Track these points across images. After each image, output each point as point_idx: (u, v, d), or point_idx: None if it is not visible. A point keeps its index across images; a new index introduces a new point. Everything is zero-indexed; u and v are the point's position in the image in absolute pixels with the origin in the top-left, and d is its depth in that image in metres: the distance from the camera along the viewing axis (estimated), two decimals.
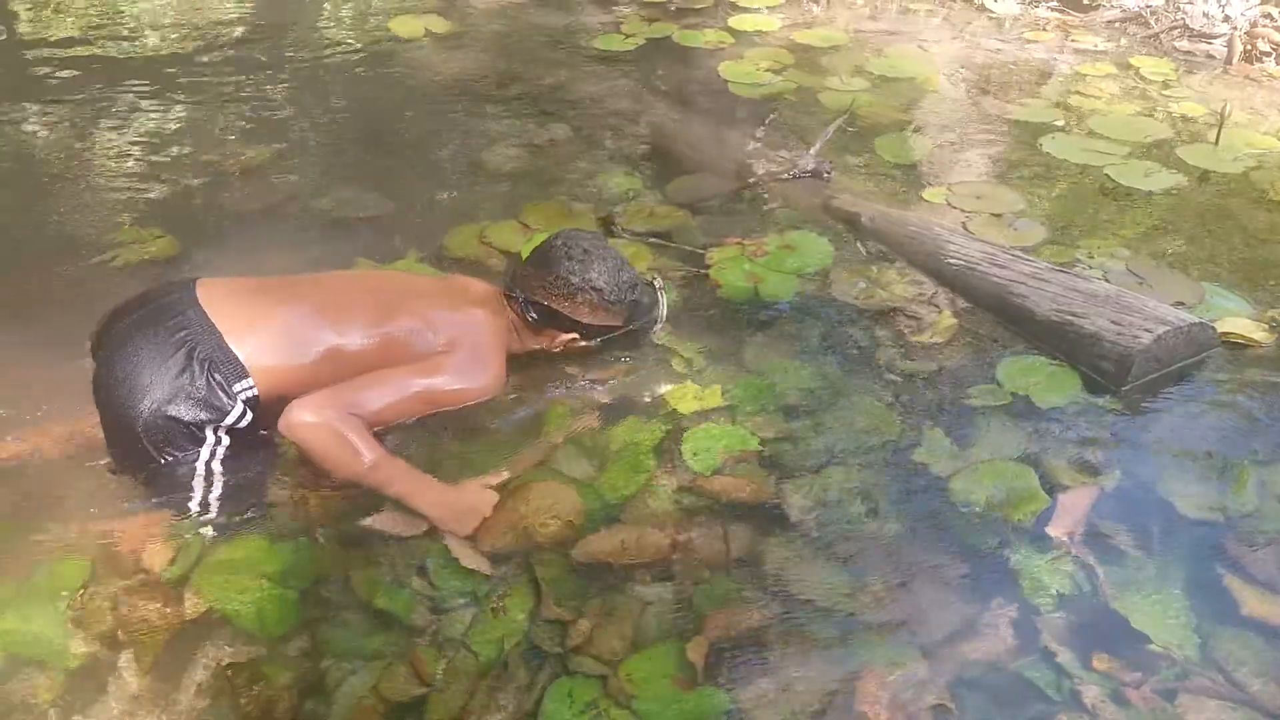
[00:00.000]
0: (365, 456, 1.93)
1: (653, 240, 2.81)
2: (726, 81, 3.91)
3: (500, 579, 1.85)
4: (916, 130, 3.54)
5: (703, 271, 2.66)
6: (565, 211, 2.96)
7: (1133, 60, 4.22)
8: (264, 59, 4.08)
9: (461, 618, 1.78)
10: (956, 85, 3.98)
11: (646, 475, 2.08)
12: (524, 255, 2.42)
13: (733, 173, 3.15)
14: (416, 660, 1.68)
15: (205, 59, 4.07)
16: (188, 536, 1.89)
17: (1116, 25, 4.64)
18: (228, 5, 4.76)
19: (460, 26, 4.48)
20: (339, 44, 4.29)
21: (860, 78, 3.97)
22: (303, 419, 1.91)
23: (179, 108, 3.62)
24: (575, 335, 2.25)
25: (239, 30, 4.44)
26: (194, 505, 1.93)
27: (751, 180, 3.11)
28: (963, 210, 2.99)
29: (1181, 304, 2.52)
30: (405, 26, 4.41)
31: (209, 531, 1.90)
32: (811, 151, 3.20)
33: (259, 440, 2.02)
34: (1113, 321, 2.29)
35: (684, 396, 2.28)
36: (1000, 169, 3.29)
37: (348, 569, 1.86)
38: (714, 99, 3.80)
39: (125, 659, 1.70)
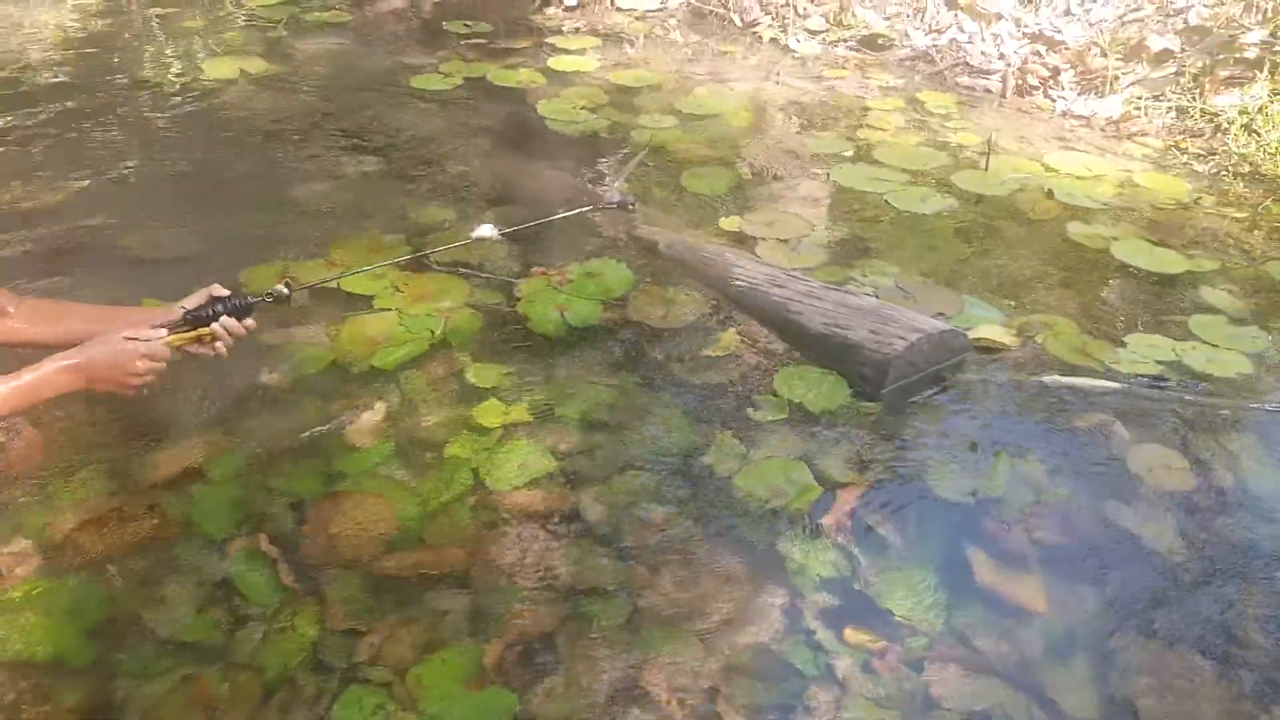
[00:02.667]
0: None
1: (463, 271, 2.92)
2: (544, 119, 4.07)
3: (296, 594, 1.92)
4: (716, 163, 3.77)
5: (511, 305, 2.79)
6: (375, 245, 3.04)
7: (919, 95, 4.59)
8: (76, 97, 4.01)
9: (251, 637, 1.83)
10: (756, 121, 4.24)
11: (457, 489, 2.19)
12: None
13: (544, 205, 3.29)
14: (198, 687, 1.72)
15: (12, 93, 3.98)
16: None
17: (907, 63, 5.03)
18: (46, 41, 4.67)
19: (280, 68, 4.51)
20: (153, 84, 4.26)
21: (670, 116, 4.19)
22: None
23: None
24: None
25: (55, 67, 4.36)
26: None
27: (561, 212, 3.25)
28: (754, 236, 3.22)
29: (942, 314, 2.78)
30: (220, 69, 4.41)
31: None
32: (616, 184, 3.37)
33: None
34: (872, 331, 2.52)
35: (488, 413, 2.39)
36: (793, 198, 3.54)
37: (140, 597, 1.90)
38: (530, 135, 3.95)
39: None
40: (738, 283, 2.83)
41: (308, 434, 2.31)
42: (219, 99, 4.14)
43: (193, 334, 1.98)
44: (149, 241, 3.02)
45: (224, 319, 1.98)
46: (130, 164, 3.54)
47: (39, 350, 1.90)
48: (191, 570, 1.97)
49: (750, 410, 2.46)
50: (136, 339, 1.86)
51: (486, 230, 2.57)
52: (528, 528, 2.13)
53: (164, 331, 1.92)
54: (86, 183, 3.33)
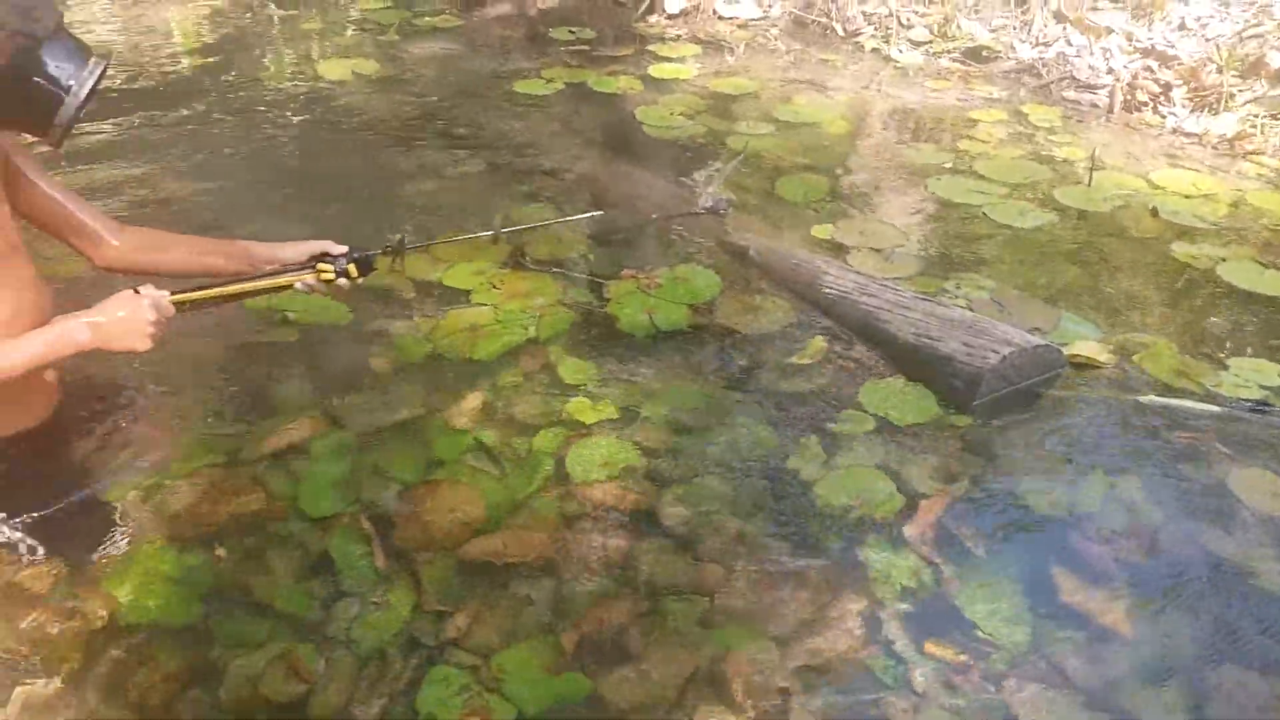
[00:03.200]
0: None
1: (555, 270, 2.99)
2: (641, 124, 4.13)
3: (389, 574, 2.00)
4: (812, 171, 3.77)
5: (601, 305, 2.85)
6: (476, 243, 3.13)
7: (1023, 108, 4.52)
8: (200, 96, 4.23)
9: (347, 612, 1.92)
10: (855, 130, 4.24)
11: (542, 479, 2.25)
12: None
13: (637, 208, 3.35)
14: (295, 660, 1.81)
15: (140, 89, 4.22)
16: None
17: (1012, 76, 4.95)
18: (173, 44, 4.93)
19: (391, 70, 4.67)
20: (272, 84, 4.46)
21: (768, 123, 4.21)
22: None
23: (104, 138, 3.76)
24: None
25: (180, 66, 4.61)
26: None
27: (654, 215, 3.31)
28: (847, 245, 3.21)
29: (1037, 329, 2.74)
30: (334, 70, 4.59)
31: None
32: (710, 189, 3.41)
33: None
34: (964, 344, 2.50)
35: (582, 408, 2.45)
36: (888, 208, 3.53)
37: (244, 568, 2.00)
38: (628, 140, 4.01)
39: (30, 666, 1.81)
40: (827, 290, 2.83)
41: (407, 417, 2.40)
42: (333, 99, 4.31)
43: (203, 294, 1.95)
44: (261, 233, 3.14)
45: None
46: (246, 160, 3.71)
47: (148, 279, 1.96)
48: (294, 545, 2.06)
49: (836, 418, 2.47)
50: (144, 296, 1.85)
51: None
52: (609, 521, 2.18)
53: (167, 293, 1.91)
54: (208, 183, 3.50)
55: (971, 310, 2.79)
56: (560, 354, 2.65)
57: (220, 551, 2.04)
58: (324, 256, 2.05)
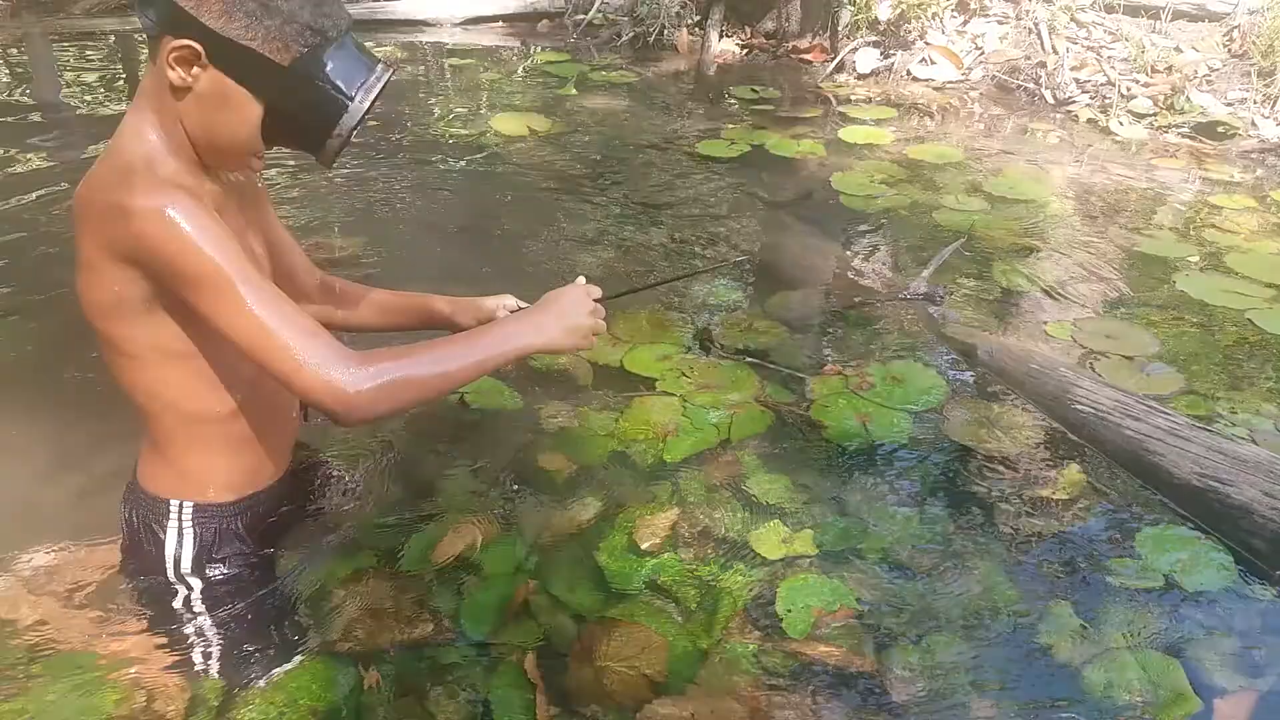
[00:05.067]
0: (437, 368, 1.43)
1: (750, 360, 2.63)
2: (838, 193, 3.76)
3: None
4: (1037, 257, 3.32)
5: (804, 406, 2.46)
6: (657, 321, 2.81)
7: (1274, 194, 3.94)
8: (371, 149, 4.09)
9: None
10: (1079, 211, 3.76)
11: (732, 624, 1.87)
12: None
13: (838, 290, 2.97)
14: None
15: None
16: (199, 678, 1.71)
17: (1254, 156, 4.37)
18: None
19: (564, 126, 4.45)
20: (444, 138, 4.30)
21: (977, 197, 3.78)
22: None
23: (267, 184, 3.63)
24: (188, 47, 1.30)
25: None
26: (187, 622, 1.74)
27: (858, 300, 2.93)
28: (1089, 349, 2.75)
29: None
30: (509, 125, 4.40)
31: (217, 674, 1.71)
32: (925, 273, 3.00)
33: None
34: (1265, 493, 2.01)
35: (768, 539, 2.06)
36: (1128, 305, 3.04)
37: (396, 704, 1.69)
38: (822, 210, 3.65)
39: None
40: (1078, 407, 2.37)
41: (583, 527, 2.07)
42: (506, 155, 4.11)
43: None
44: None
45: None
46: (412, 215, 3.52)
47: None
48: (454, 680, 1.74)
49: (1098, 573, 2.00)
50: (585, 289, 1.64)
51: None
52: (820, 685, 1.77)
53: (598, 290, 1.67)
54: (370, 235, 3.31)
55: (1256, 444, 2.28)
56: (754, 465, 2.27)
57: (373, 678, 1.74)
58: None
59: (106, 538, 1.85)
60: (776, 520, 2.11)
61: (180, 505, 1.64)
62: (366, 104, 1.42)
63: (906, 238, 3.43)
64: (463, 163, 4.01)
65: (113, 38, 5.79)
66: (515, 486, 2.19)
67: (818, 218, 3.58)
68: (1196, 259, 3.35)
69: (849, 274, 3.08)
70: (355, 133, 1.44)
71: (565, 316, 1.56)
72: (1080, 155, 4.35)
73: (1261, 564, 2.00)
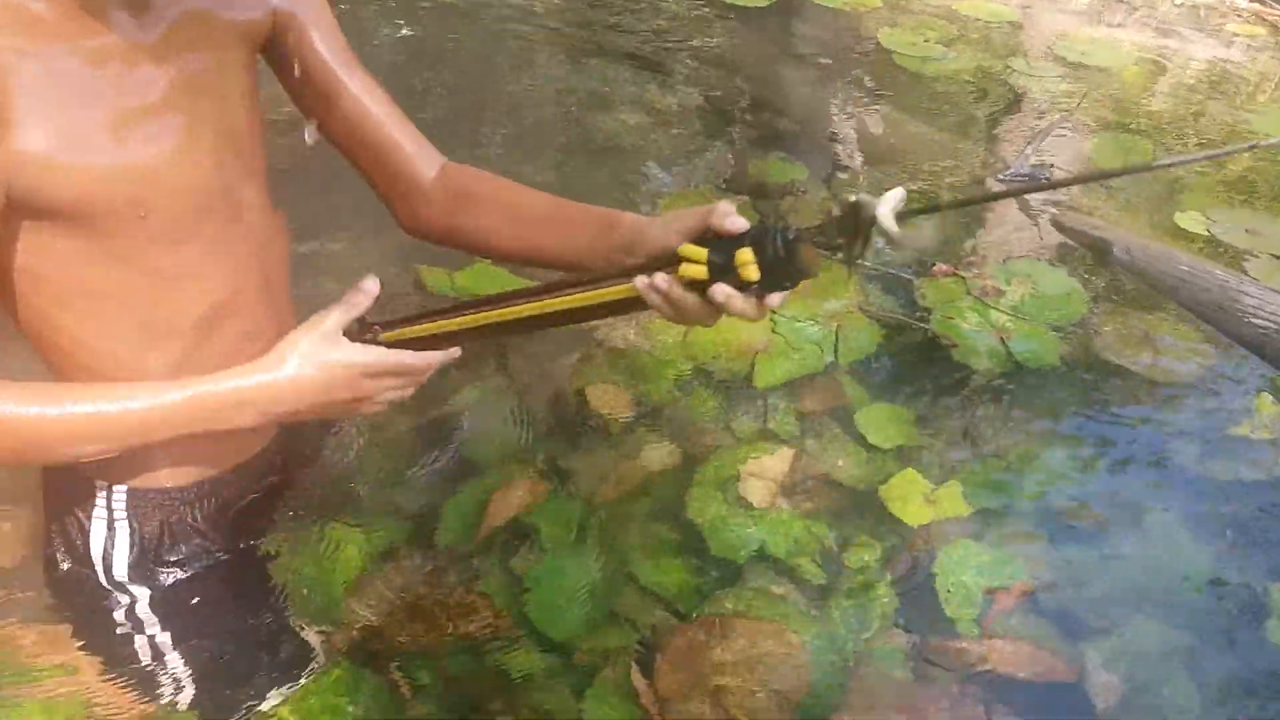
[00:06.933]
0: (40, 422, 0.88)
1: (841, 258, 2.10)
2: (890, 52, 3.18)
3: None
4: (1133, 133, 2.82)
5: (922, 317, 1.95)
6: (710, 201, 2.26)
7: None
8: None
9: None
10: (1166, 81, 3.25)
11: (882, 617, 1.42)
12: None
13: (923, 171, 2.45)
14: None
15: None
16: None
17: None
18: None
19: None
20: None
21: (1050, 63, 3.24)
22: None
23: None
24: None
25: None
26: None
27: (948, 181, 2.41)
28: (1233, 245, 2.28)
29: None
30: None
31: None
32: (1027, 150, 2.48)
33: None
34: None
35: (909, 496, 1.59)
36: (1258, 193, 2.57)
37: None
38: (876, 73, 3.08)
39: None
40: (1255, 321, 1.92)
41: (657, 477, 1.58)
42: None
43: (427, 327, 1.00)
44: None
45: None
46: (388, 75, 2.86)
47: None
48: (538, 698, 1.26)
49: None
50: (342, 352, 0.96)
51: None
52: (1011, 697, 1.34)
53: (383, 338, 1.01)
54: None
55: None
56: (864, 393, 1.78)
57: (403, 686, 1.25)
58: (709, 237, 0.87)
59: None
60: (911, 470, 1.63)
61: (109, 490, 1.09)
62: None
63: (984, 108, 2.89)
64: (418, 8, 3.30)
65: None
66: (563, 424, 1.68)
67: (875, 82, 3.01)
68: None
69: (931, 151, 2.55)
70: None
71: (304, 395, 0.95)
72: (1144, 17, 3.81)
73: None
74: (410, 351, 0.99)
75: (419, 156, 1.12)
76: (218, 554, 1.23)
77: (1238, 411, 1.78)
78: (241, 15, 0.98)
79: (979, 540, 1.54)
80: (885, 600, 1.44)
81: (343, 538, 1.40)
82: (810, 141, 2.65)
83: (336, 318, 0.96)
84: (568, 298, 0.92)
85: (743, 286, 0.84)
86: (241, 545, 1.27)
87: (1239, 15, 3.92)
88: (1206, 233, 2.33)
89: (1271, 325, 1.90)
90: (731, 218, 0.84)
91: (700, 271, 0.85)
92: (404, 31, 3.05)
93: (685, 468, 1.62)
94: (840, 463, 1.63)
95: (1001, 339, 1.89)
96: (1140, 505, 1.63)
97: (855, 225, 0.81)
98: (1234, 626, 1.44)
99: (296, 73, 1.05)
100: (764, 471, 1.58)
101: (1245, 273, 2.17)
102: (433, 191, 1.12)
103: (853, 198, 0.80)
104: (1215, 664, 1.40)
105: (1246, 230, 2.35)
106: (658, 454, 1.65)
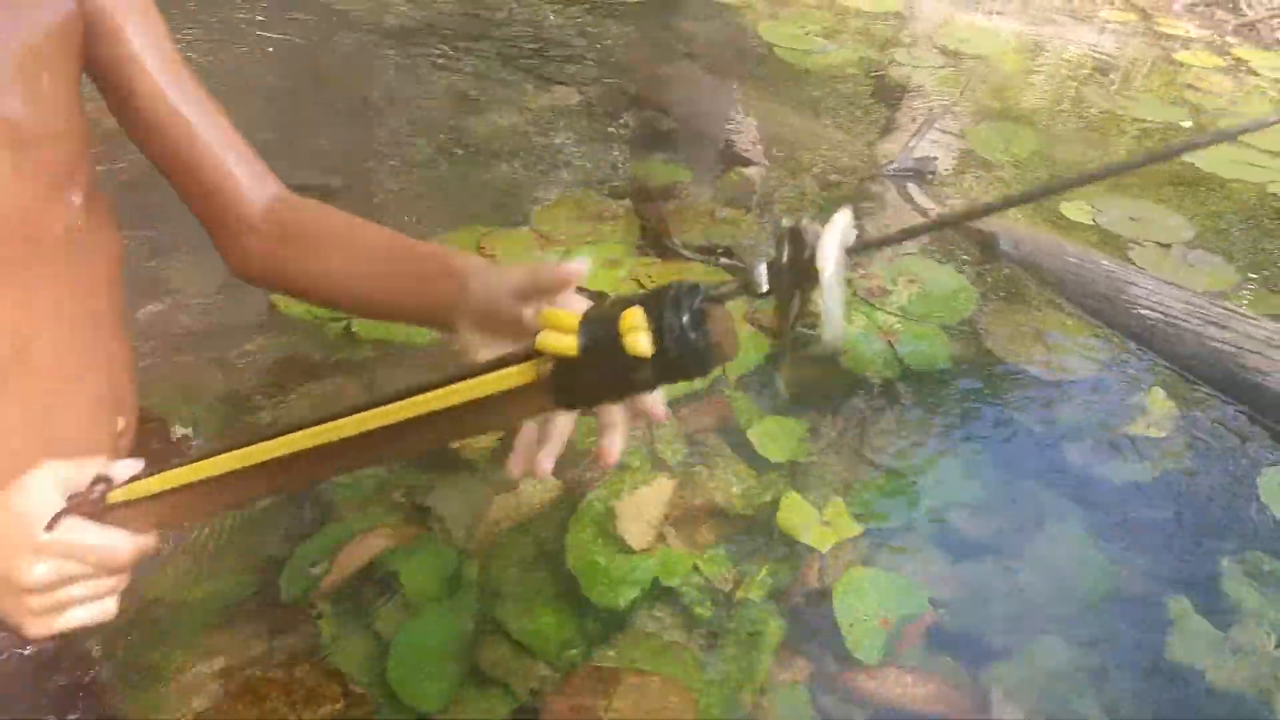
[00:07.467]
0: None
1: (722, 262, 2.00)
2: (770, 45, 3.11)
3: None
4: (1014, 121, 2.80)
5: (805, 322, 1.86)
6: (591, 210, 2.14)
7: (1236, 51, 3.55)
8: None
9: None
10: (1043, 68, 3.25)
11: (772, 654, 1.31)
12: None
13: (806, 167, 2.37)
14: None
15: None
16: None
17: (1200, 10, 3.96)
18: None
19: None
20: None
21: (929, 51, 3.21)
22: None
23: None
24: None
25: None
26: None
27: (833, 179, 2.33)
28: (1118, 235, 2.26)
29: None
30: None
31: None
32: (911, 144, 2.42)
33: None
34: None
35: (802, 518, 1.49)
36: (1139, 182, 2.56)
37: None
38: (757, 67, 3.00)
39: None
40: (1141, 312, 1.88)
41: (531, 514, 1.45)
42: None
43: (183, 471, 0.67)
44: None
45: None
46: (217, 83, 2.65)
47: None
48: None
49: (1220, 547, 1.54)
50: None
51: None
52: None
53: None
54: None
55: None
56: (751, 406, 1.68)
57: None
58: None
59: None
60: (795, 494, 1.53)
61: None
62: None
63: (866, 101, 2.83)
64: (278, 6, 3.10)
65: None
66: (427, 460, 1.53)
67: (757, 76, 2.93)
68: (1189, 124, 2.91)
69: (815, 146, 2.47)
70: None
71: None
72: (1022, 6, 3.83)
73: None
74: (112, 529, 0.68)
75: (249, 185, 0.97)
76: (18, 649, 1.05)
77: (1132, 408, 1.74)
78: (45, 14, 0.83)
79: (874, 565, 1.45)
80: (781, 639, 1.34)
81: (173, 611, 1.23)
82: (693, 141, 2.55)
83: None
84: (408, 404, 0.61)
85: (626, 371, 0.56)
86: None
87: (1110, 2, 3.97)
88: (1092, 222, 2.30)
89: (1159, 316, 1.86)
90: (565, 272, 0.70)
91: (567, 346, 0.57)
92: (271, 36, 2.85)
93: (565, 502, 1.50)
94: (733, 489, 1.53)
95: (889, 341, 1.81)
96: (1038, 514, 1.56)
97: (795, 272, 0.55)
98: (1137, 643, 1.37)
99: (114, 83, 0.90)
100: (641, 509, 1.46)
101: (1131, 262, 2.14)
102: (263, 225, 0.97)
103: (787, 222, 0.57)
104: (1121, 684, 1.33)
105: (1131, 219, 2.33)
106: (535, 488, 1.52)
